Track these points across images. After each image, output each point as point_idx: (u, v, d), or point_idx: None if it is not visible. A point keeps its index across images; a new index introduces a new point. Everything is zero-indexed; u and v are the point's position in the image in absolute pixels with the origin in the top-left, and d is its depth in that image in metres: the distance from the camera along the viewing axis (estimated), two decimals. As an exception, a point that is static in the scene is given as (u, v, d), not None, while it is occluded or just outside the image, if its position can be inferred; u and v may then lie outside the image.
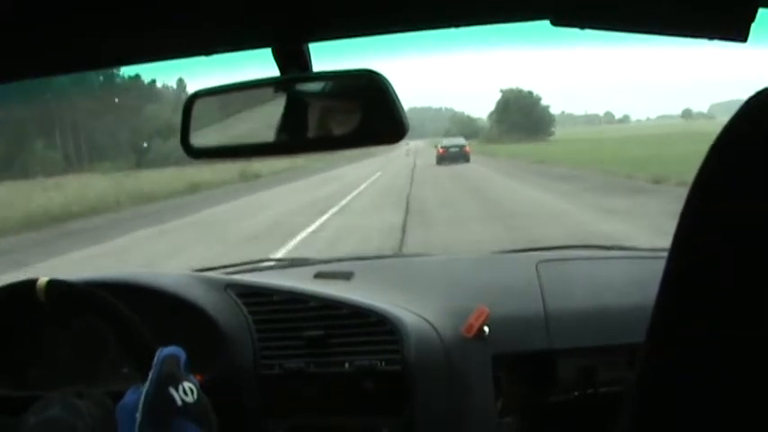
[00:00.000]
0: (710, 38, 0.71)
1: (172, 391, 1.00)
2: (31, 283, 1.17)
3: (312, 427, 1.44)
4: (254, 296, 1.50)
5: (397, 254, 2.10)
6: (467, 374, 1.43)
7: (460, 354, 1.43)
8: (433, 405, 1.41)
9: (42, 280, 1.17)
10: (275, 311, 1.48)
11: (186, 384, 1.02)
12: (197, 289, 1.48)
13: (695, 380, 0.43)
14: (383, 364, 1.39)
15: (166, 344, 1.15)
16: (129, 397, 1.03)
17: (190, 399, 1.01)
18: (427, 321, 1.45)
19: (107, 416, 1.16)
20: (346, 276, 1.66)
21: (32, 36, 0.83)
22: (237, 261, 1.92)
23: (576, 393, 1.50)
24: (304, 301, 1.48)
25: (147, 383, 1.00)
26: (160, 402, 0.99)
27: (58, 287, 1.17)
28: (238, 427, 1.39)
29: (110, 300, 1.16)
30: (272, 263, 1.93)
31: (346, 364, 1.40)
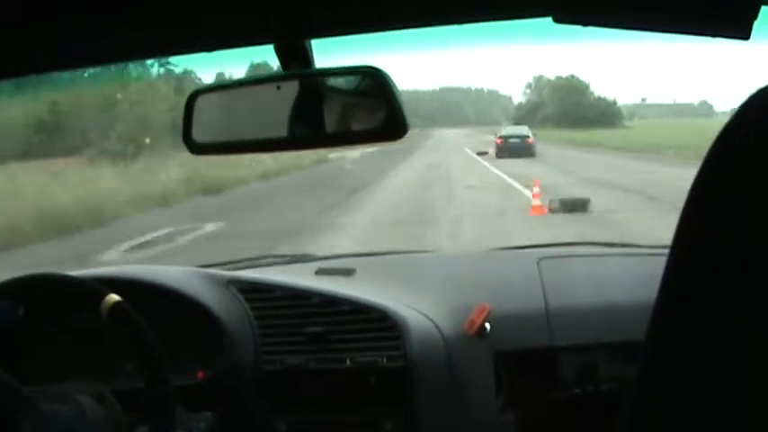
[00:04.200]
0: (713, 35, 0.71)
1: None
2: (100, 297, 1.18)
3: (313, 424, 1.44)
4: (255, 292, 1.50)
5: (399, 250, 2.10)
6: (468, 371, 1.43)
7: (462, 351, 1.43)
8: (434, 402, 1.41)
9: (111, 298, 1.18)
10: (277, 307, 1.48)
11: None
12: (199, 285, 1.48)
13: (695, 379, 0.43)
14: (384, 360, 1.39)
15: (170, 343, 1.17)
16: None
17: None
18: (429, 318, 1.45)
19: (109, 413, 1.16)
20: (348, 273, 1.66)
21: (34, 33, 0.83)
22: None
23: (577, 390, 1.50)
24: (305, 298, 1.48)
25: None
26: None
27: (122, 311, 1.18)
28: (240, 423, 1.40)
29: (153, 337, 1.17)
30: (273, 259, 1.94)
31: (347, 361, 1.40)
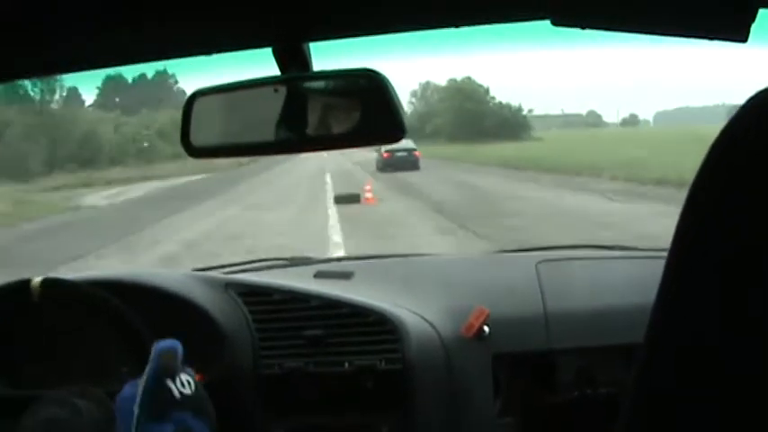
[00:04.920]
0: (710, 38, 0.71)
1: (169, 383, 1.00)
2: (25, 284, 1.18)
3: (312, 426, 1.44)
4: (254, 295, 1.50)
5: (398, 253, 2.10)
6: (466, 374, 1.43)
7: (460, 353, 1.43)
8: (432, 405, 1.40)
9: (36, 280, 1.18)
10: (275, 311, 1.48)
11: (183, 377, 1.02)
12: (197, 288, 1.48)
13: (693, 383, 0.43)
14: (383, 363, 1.39)
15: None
16: (126, 391, 1.03)
17: (187, 391, 1.01)
18: (427, 321, 1.45)
19: (106, 415, 1.16)
20: (346, 276, 1.66)
21: (32, 35, 0.83)
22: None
23: (575, 393, 1.50)
24: (304, 301, 1.48)
25: (144, 376, 1.00)
26: (158, 395, 0.99)
27: (51, 286, 1.18)
28: (238, 426, 1.39)
29: (101, 294, 1.17)
30: (271, 262, 1.93)
31: (346, 364, 1.40)
